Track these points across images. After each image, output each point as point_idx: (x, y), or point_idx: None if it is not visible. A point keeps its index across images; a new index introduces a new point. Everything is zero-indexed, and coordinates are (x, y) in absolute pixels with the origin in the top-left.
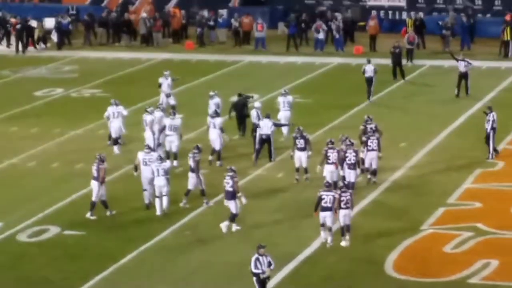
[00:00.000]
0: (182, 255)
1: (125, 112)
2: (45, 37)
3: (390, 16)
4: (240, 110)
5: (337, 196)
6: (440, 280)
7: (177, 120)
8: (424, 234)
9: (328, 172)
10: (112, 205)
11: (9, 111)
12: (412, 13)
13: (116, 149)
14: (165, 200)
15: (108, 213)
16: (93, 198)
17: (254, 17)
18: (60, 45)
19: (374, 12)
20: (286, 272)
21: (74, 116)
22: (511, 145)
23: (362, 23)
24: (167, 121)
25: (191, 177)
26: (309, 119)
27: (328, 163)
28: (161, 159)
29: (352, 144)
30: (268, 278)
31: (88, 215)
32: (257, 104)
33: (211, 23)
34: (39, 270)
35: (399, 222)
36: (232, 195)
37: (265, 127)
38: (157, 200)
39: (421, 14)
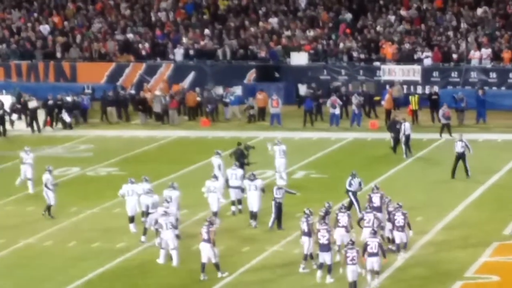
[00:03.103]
0: None
1: (140, 191)
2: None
3: (405, 91)
4: (238, 158)
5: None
6: None
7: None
8: None
9: (339, 235)
10: (129, 283)
11: (26, 190)
12: (427, 87)
13: (132, 227)
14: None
15: (219, 274)
16: (203, 260)
17: (268, 93)
18: (71, 125)
19: (388, 87)
20: None
21: (90, 195)
22: None
23: (377, 98)
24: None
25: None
26: (326, 194)
27: (338, 227)
28: (167, 214)
29: (400, 206)
30: None
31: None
32: (279, 182)
33: (227, 100)
34: None
35: None
36: (328, 248)
37: (278, 195)
38: (162, 251)
39: (436, 88)
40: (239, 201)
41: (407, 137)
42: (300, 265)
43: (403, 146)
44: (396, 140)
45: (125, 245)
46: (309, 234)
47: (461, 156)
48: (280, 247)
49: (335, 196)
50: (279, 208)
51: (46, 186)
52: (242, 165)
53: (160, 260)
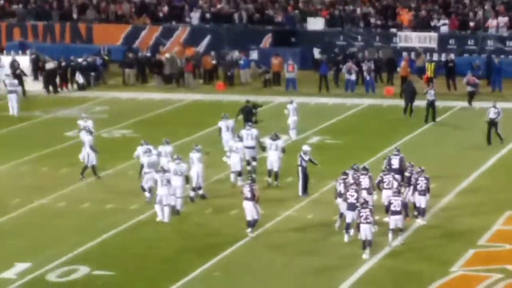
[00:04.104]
0: None
1: (155, 153)
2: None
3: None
4: (246, 115)
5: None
6: None
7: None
8: (453, 276)
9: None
10: (142, 245)
11: (40, 151)
12: (443, 55)
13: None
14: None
15: (249, 230)
16: (248, 218)
17: (284, 58)
18: (84, 87)
19: (405, 54)
20: None
21: (104, 157)
22: None
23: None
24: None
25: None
26: (338, 160)
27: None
28: (164, 171)
29: (423, 170)
30: None
31: (249, 232)
32: (304, 147)
33: (242, 62)
34: None
35: (429, 264)
36: (355, 207)
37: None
38: (157, 206)
39: (452, 56)
40: (254, 159)
41: (431, 103)
42: (336, 223)
43: (426, 112)
44: (408, 103)
45: (139, 207)
46: (340, 195)
47: (493, 122)
48: (293, 212)
49: (349, 162)
50: (305, 173)
51: (90, 147)
52: (249, 122)
53: (158, 217)
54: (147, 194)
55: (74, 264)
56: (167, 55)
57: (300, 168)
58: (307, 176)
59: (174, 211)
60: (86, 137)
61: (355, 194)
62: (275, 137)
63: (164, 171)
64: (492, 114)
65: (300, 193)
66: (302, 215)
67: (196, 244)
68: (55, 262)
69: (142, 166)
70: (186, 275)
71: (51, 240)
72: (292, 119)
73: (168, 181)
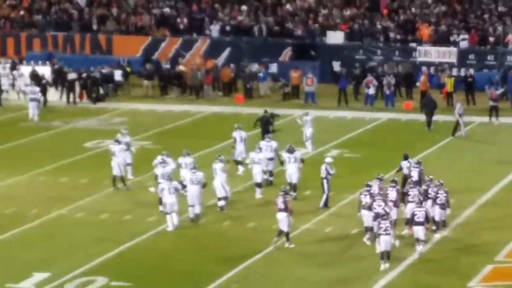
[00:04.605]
0: None
1: (173, 165)
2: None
3: (439, 72)
4: (264, 125)
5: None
6: None
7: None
8: None
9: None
10: (160, 256)
11: (59, 161)
12: (462, 70)
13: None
14: (175, 216)
15: (286, 244)
16: (284, 229)
17: (303, 71)
18: (104, 97)
19: (424, 68)
20: None
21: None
22: None
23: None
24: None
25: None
26: (356, 174)
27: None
28: (171, 179)
29: (442, 184)
30: None
31: (286, 245)
32: (328, 159)
33: (261, 74)
34: None
35: (447, 278)
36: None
37: (324, 171)
38: (168, 217)
39: (471, 71)
40: (271, 173)
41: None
42: (365, 237)
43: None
44: (429, 116)
45: (157, 218)
46: (369, 208)
47: None
48: (312, 225)
49: (367, 176)
50: (329, 185)
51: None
52: (267, 132)
53: (169, 228)
54: (160, 207)
55: (92, 275)
56: (182, 67)
57: (325, 181)
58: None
59: (193, 220)
60: (117, 148)
61: (383, 204)
62: (292, 150)
63: (171, 179)
64: None
65: (321, 205)
66: (321, 228)
67: (214, 256)
68: (73, 272)
69: (156, 177)
70: (204, 287)
71: (69, 250)
72: (308, 131)
73: (176, 189)
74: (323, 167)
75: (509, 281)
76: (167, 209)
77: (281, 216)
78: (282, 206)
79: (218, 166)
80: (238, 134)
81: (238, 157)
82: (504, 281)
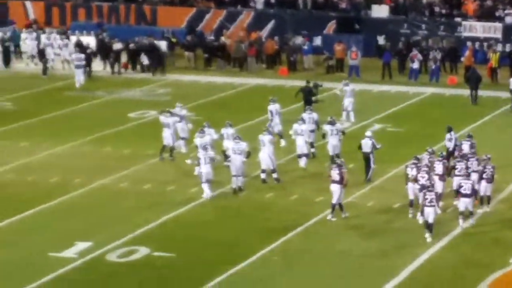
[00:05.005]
0: (271, 281)
1: (215, 136)
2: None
3: (485, 48)
4: (306, 95)
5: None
6: None
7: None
8: None
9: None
10: (202, 227)
11: (103, 131)
12: (507, 45)
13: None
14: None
15: (343, 215)
16: (333, 201)
17: (348, 44)
18: (153, 69)
19: (469, 43)
20: None
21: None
22: None
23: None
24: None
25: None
26: (399, 148)
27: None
28: (205, 149)
29: (489, 159)
30: None
31: (329, 217)
32: (368, 133)
33: (305, 47)
34: None
35: (490, 253)
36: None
37: (366, 146)
38: (203, 185)
39: None
40: (312, 145)
41: None
42: (409, 212)
43: None
44: (473, 90)
45: (200, 189)
46: (416, 181)
47: None
48: (354, 199)
49: (409, 151)
50: (367, 159)
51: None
52: (310, 102)
53: (205, 195)
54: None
55: (134, 245)
56: (226, 39)
57: (371, 155)
58: (369, 161)
59: (235, 190)
60: (171, 120)
61: (426, 176)
62: (333, 122)
63: (207, 149)
64: None
65: (367, 178)
66: (363, 202)
67: (256, 228)
68: (116, 242)
69: (196, 147)
70: (245, 259)
71: (111, 220)
72: (348, 100)
73: (211, 159)
74: (367, 141)
75: None
76: (202, 179)
77: (335, 188)
78: (337, 178)
79: (266, 138)
80: (273, 107)
81: (274, 129)
82: None
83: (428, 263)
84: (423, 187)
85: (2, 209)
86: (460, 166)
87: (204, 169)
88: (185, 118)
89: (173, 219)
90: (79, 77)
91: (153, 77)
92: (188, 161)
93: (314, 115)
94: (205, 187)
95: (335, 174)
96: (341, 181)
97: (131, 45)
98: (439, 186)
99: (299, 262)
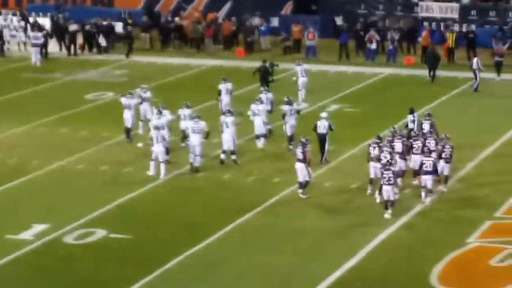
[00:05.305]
0: (230, 261)
1: (170, 117)
2: (90, 41)
3: (442, 28)
4: (263, 74)
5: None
6: None
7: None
8: (470, 247)
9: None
10: (160, 208)
11: (60, 113)
12: (464, 26)
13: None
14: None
15: (300, 192)
16: (299, 179)
17: (305, 25)
18: (106, 49)
19: (426, 24)
20: (330, 281)
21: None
22: None
23: None
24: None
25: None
26: (356, 128)
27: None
28: (158, 128)
29: (448, 138)
30: None
31: (299, 192)
32: (324, 114)
33: (262, 28)
34: (84, 272)
35: (445, 234)
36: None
37: (321, 127)
38: (151, 163)
39: (473, 27)
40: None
41: (474, 73)
42: (368, 189)
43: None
44: (431, 69)
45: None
46: (378, 159)
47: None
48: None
49: (368, 130)
50: (323, 140)
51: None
52: (266, 81)
53: (150, 172)
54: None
55: (91, 227)
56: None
57: (327, 136)
58: (324, 142)
59: (193, 169)
60: (132, 101)
61: (389, 156)
62: (291, 102)
63: (158, 128)
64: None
65: (322, 160)
66: (320, 182)
67: (215, 208)
68: (73, 224)
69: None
70: (203, 239)
71: (68, 202)
72: (301, 80)
73: (163, 138)
74: (323, 122)
75: (507, 237)
76: (152, 156)
77: (299, 166)
78: (301, 156)
79: (229, 119)
80: (224, 86)
81: (224, 108)
82: (502, 237)
83: (386, 242)
84: (382, 166)
85: None
86: (417, 144)
87: (156, 148)
88: (150, 100)
89: (129, 200)
90: (36, 56)
91: (109, 58)
92: (140, 145)
93: (269, 95)
94: (152, 164)
95: (299, 152)
96: (304, 160)
97: (87, 27)
98: (399, 165)
99: (258, 241)
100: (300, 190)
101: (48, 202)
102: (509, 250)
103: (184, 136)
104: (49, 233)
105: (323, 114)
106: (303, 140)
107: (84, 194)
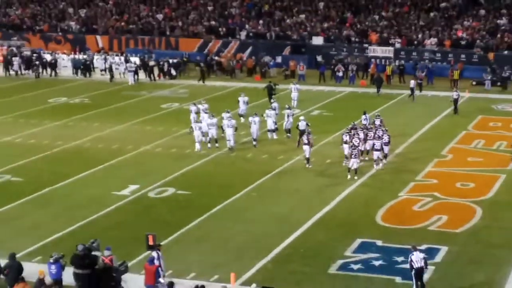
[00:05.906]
0: (250, 208)
1: (215, 119)
2: (166, 72)
3: (383, 62)
4: (269, 90)
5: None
6: (410, 227)
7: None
8: (401, 199)
9: (370, 144)
10: (208, 175)
11: (145, 116)
12: (397, 61)
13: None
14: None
15: (307, 165)
16: (306, 155)
17: (297, 61)
18: (175, 77)
19: (373, 60)
20: (314, 220)
21: (184, 118)
22: (457, 144)
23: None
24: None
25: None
26: (330, 125)
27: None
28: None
29: (387, 130)
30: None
31: (307, 165)
32: (302, 117)
33: (271, 63)
34: (161, 215)
35: (386, 191)
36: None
37: (301, 125)
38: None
39: (402, 62)
40: (275, 123)
41: (412, 90)
42: (344, 161)
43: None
44: (378, 88)
45: (206, 152)
46: (346, 142)
47: (456, 101)
48: (300, 157)
49: (338, 126)
50: (302, 134)
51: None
52: (271, 95)
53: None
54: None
55: (165, 186)
56: (221, 58)
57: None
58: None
59: (230, 149)
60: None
61: (358, 140)
62: (289, 108)
63: (214, 124)
64: (454, 96)
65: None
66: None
67: (242, 174)
68: (154, 184)
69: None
70: (235, 194)
71: (152, 171)
72: (294, 94)
73: (232, 125)
74: (302, 122)
75: (425, 192)
76: (197, 140)
77: (306, 148)
78: (306, 141)
79: (256, 118)
80: (241, 99)
81: (240, 113)
82: (421, 192)
83: (350, 195)
84: (353, 147)
85: (84, 164)
86: (371, 133)
87: (228, 132)
88: (207, 108)
89: (190, 170)
90: (131, 78)
91: (176, 82)
92: (186, 131)
93: (276, 104)
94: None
95: (305, 138)
96: (308, 143)
97: (161, 62)
98: (361, 146)
99: (268, 196)
100: (306, 162)
101: (138, 171)
102: (425, 200)
103: (223, 130)
104: (139, 190)
105: (301, 117)
106: (308, 130)
107: (161, 166)
